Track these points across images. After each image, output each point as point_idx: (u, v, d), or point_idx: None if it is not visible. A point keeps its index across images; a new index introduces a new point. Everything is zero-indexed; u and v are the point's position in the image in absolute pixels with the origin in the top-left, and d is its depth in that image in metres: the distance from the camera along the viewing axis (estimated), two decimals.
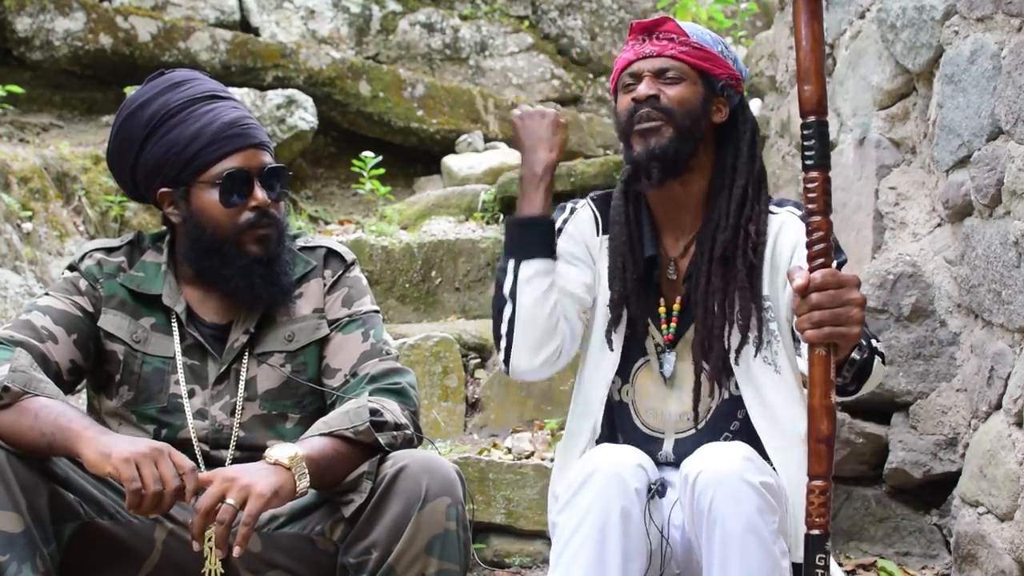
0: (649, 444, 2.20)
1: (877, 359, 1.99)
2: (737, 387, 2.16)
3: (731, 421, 2.19)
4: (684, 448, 2.15)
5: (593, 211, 2.29)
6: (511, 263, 2.17)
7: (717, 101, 2.21)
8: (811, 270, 1.76)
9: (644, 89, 2.17)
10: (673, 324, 2.22)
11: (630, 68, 2.21)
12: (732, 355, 2.14)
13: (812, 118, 1.77)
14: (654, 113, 2.15)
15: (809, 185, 1.76)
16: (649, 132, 2.15)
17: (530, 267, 2.15)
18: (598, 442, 2.20)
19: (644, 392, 2.23)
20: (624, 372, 2.24)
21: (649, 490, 2.02)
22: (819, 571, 1.77)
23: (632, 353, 2.24)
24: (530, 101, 7.02)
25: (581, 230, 2.27)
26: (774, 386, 2.13)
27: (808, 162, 1.77)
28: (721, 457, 1.97)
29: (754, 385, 2.13)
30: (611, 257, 2.23)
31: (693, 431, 2.19)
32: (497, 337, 2.18)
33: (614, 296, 2.21)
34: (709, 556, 1.93)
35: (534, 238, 2.17)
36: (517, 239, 2.18)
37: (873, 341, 2.00)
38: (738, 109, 2.24)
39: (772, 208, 2.21)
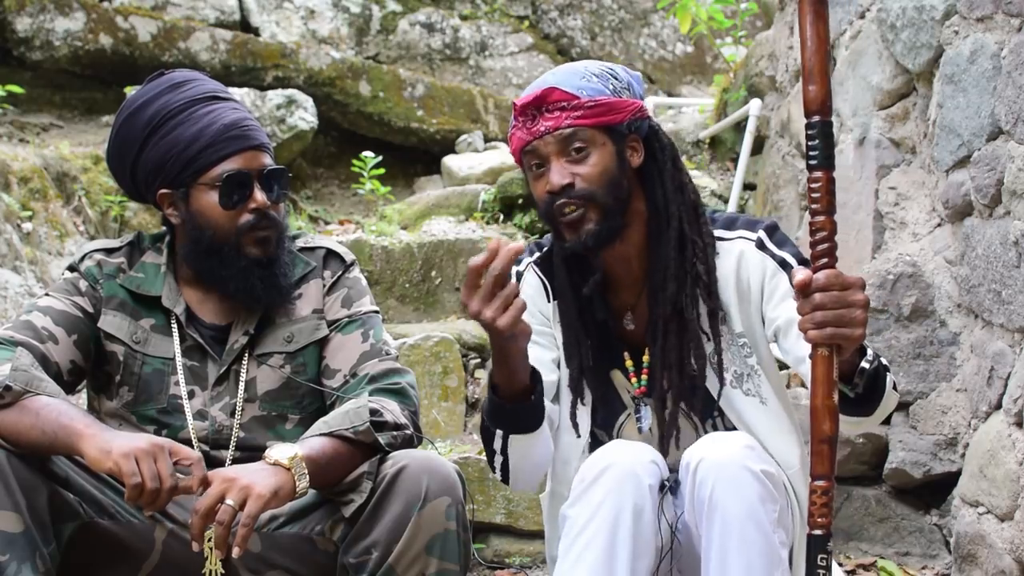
0: None
1: (889, 376, 1.95)
2: (726, 422, 2.12)
3: None
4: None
5: (539, 278, 2.17)
6: (499, 432, 2.01)
7: (630, 143, 2.08)
8: (814, 270, 1.74)
9: (556, 179, 2.02)
10: (644, 376, 2.14)
11: (529, 147, 2.06)
12: (715, 395, 2.09)
13: (816, 118, 1.76)
14: (574, 202, 2.02)
15: (813, 185, 1.75)
16: (575, 223, 2.03)
17: (520, 439, 2.01)
18: None
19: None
20: (608, 426, 2.18)
21: (662, 487, 2.00)
22: (820, 571, 1.77)
23: (612, 407, 2.17)
24: None
25: (533, 299, 2.13)
26: (761, 417, 2.09)
27: (812, 162, 1.76)
28: (722, 445, 1.95)
29: (742, 420, 2.10)
30: (564, 332, 2.14)
31: None
32: (492, 467, 2.09)
33: (573, 373, 2.12)
34: (708, 544, 1.92)
35: (522, 417, 2.00)
36: (502, 414, 2.00)
37: (883, 360, 1.96)
38: (651, 137, 2.11)
39: (722, 233, 2.11)
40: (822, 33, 1.75)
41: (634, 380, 2.15)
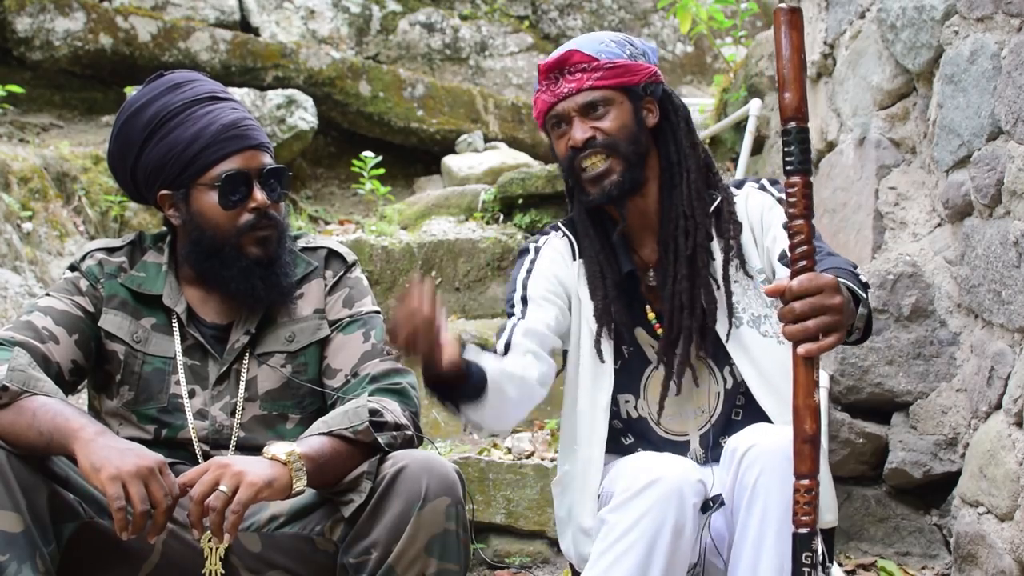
0: (675, 449, 2.20)
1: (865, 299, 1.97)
2: (736, 370, 2.17)
3: (734, 400, 2.20)
4: (707, 441, 2.20)
5: (568, 237, 2.28)
6: (451, 406, 2.04)
7: (645, 105, 2.21)
8: (793, 274, 1.76)
9: (579, 134, 2.15)
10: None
11: (553, 111, 2.20)
12: (724, 338, 2.16)
13: (793, 124, 1.78)
14: (597, 152, 2.15)
15: (790, 190, 1.78)
16: (599, 176, 2.15)
17: (473, 406, 2.03)
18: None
19: (657, 400, 2.21)
20: (634, 387, 2.23)
21: (705, 506, 2.01)
22: (806, 570, 1.77)
23: (635, 367, 2.22)
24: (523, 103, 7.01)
25: (552, 267, 2.24)
26: (776, 358, 2.14)
27: (789, 167, 1.78)
28: (773, 435, 1.97)
29: (754, 364, 2.15)
30: (588, 270, 2.22)
31: (710, 423, 2.21)
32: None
33: (598, 305, 2.19)
34: (744, 529, 1.93)
35: (463, 394, 2.01)
36: (444, 396, 2.02)
37: (857, 288, 1.96)
38: (665, 100, 2.24)
39: (732, 190, 2.25)
40: (796, 42, 1.77)
41: (659, 329, 2.20)
